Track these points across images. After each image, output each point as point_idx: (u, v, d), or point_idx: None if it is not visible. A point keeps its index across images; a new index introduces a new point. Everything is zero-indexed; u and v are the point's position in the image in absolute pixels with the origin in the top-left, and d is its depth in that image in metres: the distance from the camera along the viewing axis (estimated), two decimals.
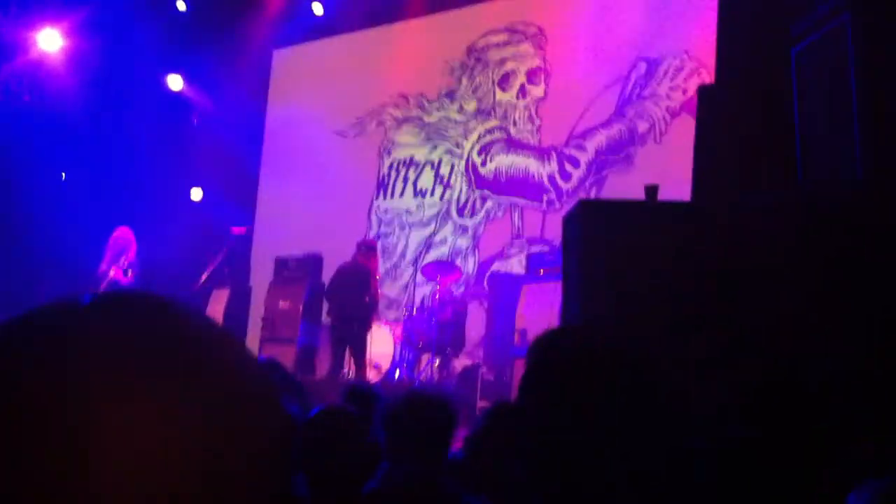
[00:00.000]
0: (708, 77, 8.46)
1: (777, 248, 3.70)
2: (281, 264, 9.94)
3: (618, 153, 9.66)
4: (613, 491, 1.28)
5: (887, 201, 3.40)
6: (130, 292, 0.61)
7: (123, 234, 9.19)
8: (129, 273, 9.06)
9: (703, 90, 5.51)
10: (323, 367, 9.45)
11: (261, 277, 10.64)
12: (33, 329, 0.57)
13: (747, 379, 2.66)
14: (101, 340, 0.55)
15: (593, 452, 1.29)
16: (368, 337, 8.55)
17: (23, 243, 10.15)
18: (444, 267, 9.43)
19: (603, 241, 4.24)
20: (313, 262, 9.81)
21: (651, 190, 4.62)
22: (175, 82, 12.08)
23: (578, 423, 1.31)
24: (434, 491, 2.61)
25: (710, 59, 7.22)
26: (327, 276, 9.77)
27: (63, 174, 11.71)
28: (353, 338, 8.41)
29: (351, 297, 8.38)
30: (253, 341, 10.17)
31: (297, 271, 9.74)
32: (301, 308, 9.42)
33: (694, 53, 9.14)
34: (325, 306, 8.97)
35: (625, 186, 8.93)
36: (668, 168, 8.19)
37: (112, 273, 9.02)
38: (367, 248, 8.92)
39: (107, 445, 0.52)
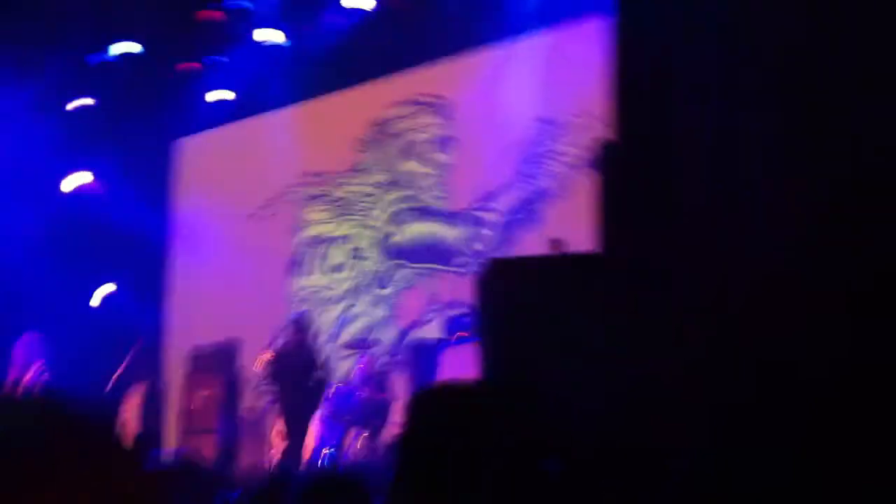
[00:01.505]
0: (603, 131, 8.69)
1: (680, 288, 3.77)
2: (196, 353, 9.72)
3: (525, 211, 9.82)
4: None
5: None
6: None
7: (29, 342, 8.88)
8: (43, 375, 8.71)
9: (598, 144, 5.65)
10: (247, 454, 9.20)
11: (178, 369, 10.37)
12: None
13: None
14: None
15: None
16: (315, 414, 8.35)
17: None
18: (363, 341, 9.35)
19: (513, 297, 4.26)
20: (229, 350, 9.61)
21: (555, 243, 4.69)
22: (79, 179, 11.86)
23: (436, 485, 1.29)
24: None
25: (605, 114, 7.43)
26: (245, 360, 9.57)
27: None
28: (302, 420, 8.15)
29: (299, 379, 8.14)
30: (174, 434, 9.86)
31: (213, 359, 9.53)
32: (220, 396, 9.19)
33: (589, 110, 9.40)
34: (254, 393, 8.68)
35: (535, 243, 9.05)
36: (575, 222, 8.32)
37: (26, 377, 8.65)
38: (301, 325, 8.70)
39: None
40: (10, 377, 8.76)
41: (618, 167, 5.42)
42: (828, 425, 2.72)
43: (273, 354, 8.52)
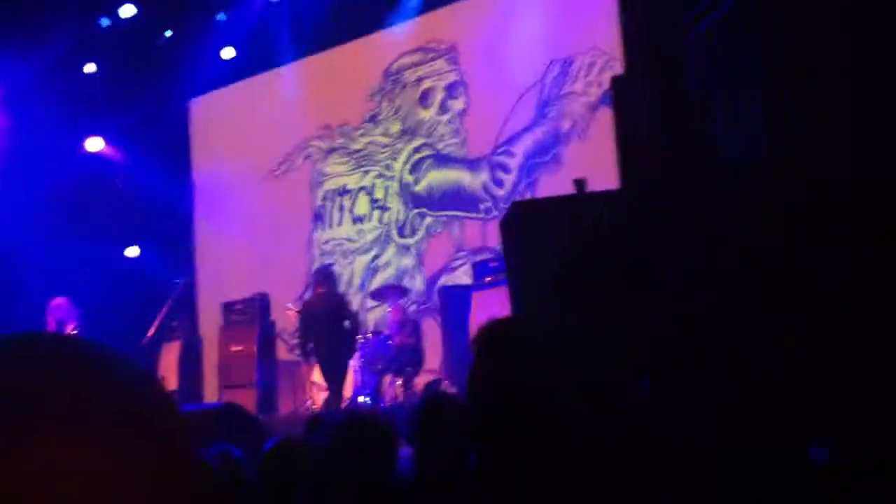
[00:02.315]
0: (620, 69, 8.68)
1: (704, 229, 3.85)
2: (228, 309, 9.88)
3: (545, 154, 9.85)
4: (563, 478, 1.33)
5: (794, 174, 3.56)
6: (29, 333, 0.64)
7: (59, 305, 8.96)
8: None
9: (615, 81, 5.68)
10: (285, 405, 9.42)
11: (210, 325, 10.57)
12: None
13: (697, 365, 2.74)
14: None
15: (539, 442, 1.35)
16: (350, 364, 8.50)
17: None
18: (392, 289, 9.49)
19: (539, 237, 4.36)
20: (260, 303, 9.77)
21: (579, 183, 4.76)
22: (94, 144, 11.97)
23: (519, 413, 1.37)
24: None
25: (620, 51, 7.43)
26: (276, 314, 9.75)
27: None
28: (338, 368, 8.29)
29: (330, 328, 8.26)
30: (211, 390, 10.09)
31: (246, 314, 9.68)
32: (255, 349, 9.37)
33: (603, 47, 9.38)
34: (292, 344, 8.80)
35: (557, 185, 9.11)
36: (595, 162, 8.38)
37: None
38: (327, 276, 8.76)
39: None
40: None
41: (635, 103, 5.46)
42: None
43: (303, 306, 8.66)
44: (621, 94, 5.62)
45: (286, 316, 9.41)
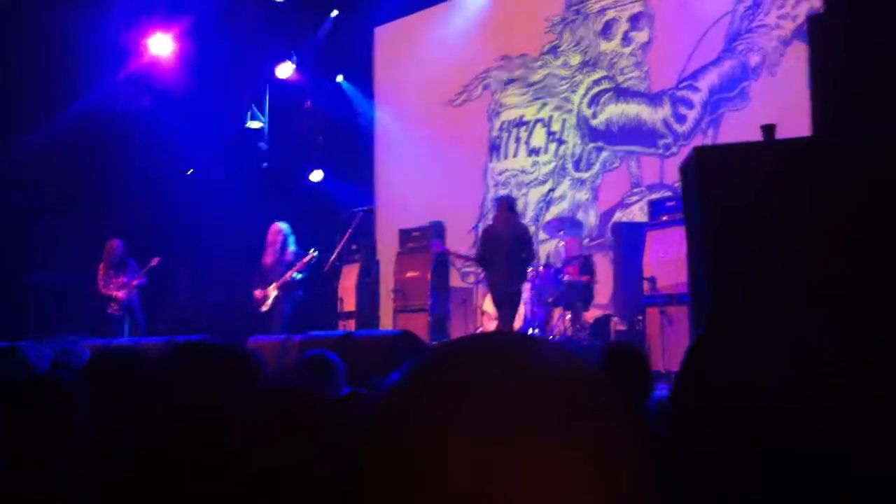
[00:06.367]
0: (817, 1, 8.17)
1: None
2: (405, 235, 10.20)
3: (732, 89, 9.45)
4: None
5: None
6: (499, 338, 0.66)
7: (281, 230, 9.38)
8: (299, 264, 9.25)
9: (813, 20, 5.38)
10: (456, 331, 9.70)
11: (387, 250, 10.95)
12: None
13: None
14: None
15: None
16: (520, 296, 8.56)
17: (156, 240, 10.69)
18: (566, 222, 9.49)
19: (722, 186, 4.26)
20: (436, 231, 10.03)
21: (768, 129, 4.59)
22: (284, 70, 12.47)
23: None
24: None
25: None
26: (451, 242, 9.98)
27: (190, 170, 12.31)
28: (513, 296, 8.37)
29: (510, 257, 8.32)
30: (385, 313, 10.52)
31: (422, 241, 9.97)
32: (429, 276, 9.65)
33: None
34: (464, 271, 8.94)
35: (742, 123, 8.77)
36: (784, 99, 8.00)
37: (288, 275, 9.20)
38: (510, 204, 8.73)
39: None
40: (266, 260, 9.33)
41: (836, 40, 5.16)
42: None
43: (485, 229, 8.70)
44: (818, 33, 5.31)
45: (458, 244, 9.60)
